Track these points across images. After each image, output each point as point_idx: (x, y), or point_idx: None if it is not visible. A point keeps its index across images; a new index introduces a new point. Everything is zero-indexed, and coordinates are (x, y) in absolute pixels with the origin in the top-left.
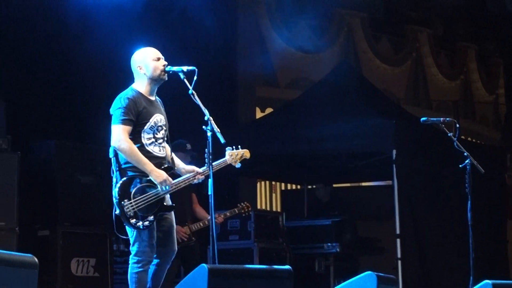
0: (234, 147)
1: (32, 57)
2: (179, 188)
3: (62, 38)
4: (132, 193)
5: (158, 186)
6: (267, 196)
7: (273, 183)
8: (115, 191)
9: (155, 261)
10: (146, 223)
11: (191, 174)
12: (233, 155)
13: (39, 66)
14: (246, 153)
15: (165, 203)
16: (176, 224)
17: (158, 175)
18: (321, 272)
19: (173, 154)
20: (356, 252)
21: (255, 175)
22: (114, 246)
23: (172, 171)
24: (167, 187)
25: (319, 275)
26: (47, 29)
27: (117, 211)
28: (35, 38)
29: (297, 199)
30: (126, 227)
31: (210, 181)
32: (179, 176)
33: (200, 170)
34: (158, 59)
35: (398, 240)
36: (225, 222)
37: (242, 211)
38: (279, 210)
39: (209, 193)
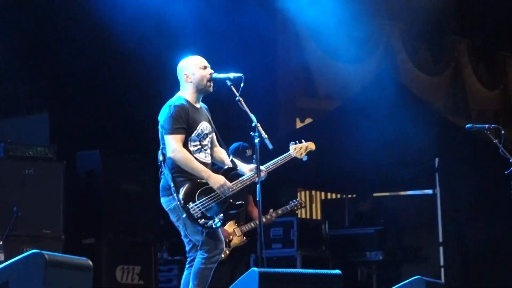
0: (297, 141)
1: (76, 67)
2: (240, 188)
3: (107, 48)
4: (196, 195)
5: (218, 191)
6: (307, 206)
7: (313, 192)
8: (177, 198)
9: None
10: (217, 221)
11: (252, 173)
12: (297, 149)
13: (83, 75)
14: (310, 145)
15: (232, 201)
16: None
17: (215, 181)
18: (363, 280)
19: (231, 156)
20: (399, 260)
21: (296, 185)
22: (158, 255)
23: (233, 172)
24: (226, 191)
25: (362, 283)
26: (91, 40)
27: (184, 215)
28: (79, 49)
29: (338, 208)
30: (190, 229)
31: (258, 187)
32: (241, 175)
33: (263, 167)
34: (205, 67)
35: (441, 248)
36: (267, 231)
37: (295, 207)
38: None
39: (257, 198)
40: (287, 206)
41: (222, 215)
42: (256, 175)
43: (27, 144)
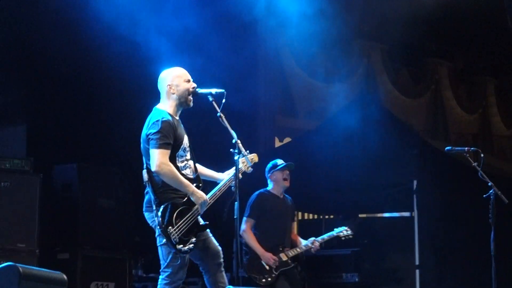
0: (241, 153)
1: (54, 80)
2: (215, 199)
3: (86, 61)
4: (174, 219)
5: (199, 207)
6: None
7: None
8: (158, 220)
9: (207, 275)
10: (191, 245)
11: (223, 182)
12: (245, 163)
13: (61, 88)
14: (255, 157)
15: (200, 224)
16: (271, 251)
17: (199, 196)
18: None
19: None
20: (375, 282)
21: None
22: (133, 271)
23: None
24: (204, 207)
25: None
26: (69, 52)
27: (164, 240)
28: (57, 61)
29: (315, 229)
30: (160, 249)
31: (236, 204)
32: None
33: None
34: (188, 81)
35: (418, 271)
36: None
37: (341, 234)
38: None
39: (235, 216)
40: (333, 233)
41: (194, 239)
42: (229, 181)
43: (4, 156)
